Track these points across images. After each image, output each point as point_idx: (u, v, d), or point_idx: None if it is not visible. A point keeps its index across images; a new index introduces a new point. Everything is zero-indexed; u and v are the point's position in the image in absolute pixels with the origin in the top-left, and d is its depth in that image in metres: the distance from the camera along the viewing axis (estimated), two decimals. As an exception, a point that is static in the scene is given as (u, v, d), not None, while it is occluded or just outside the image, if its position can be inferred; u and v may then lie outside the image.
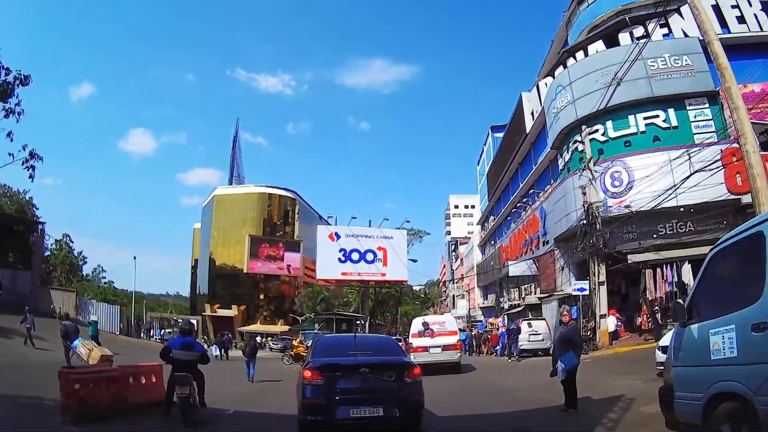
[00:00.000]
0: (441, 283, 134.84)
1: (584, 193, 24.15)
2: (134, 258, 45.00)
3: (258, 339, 47.72)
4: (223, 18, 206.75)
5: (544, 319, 24.14)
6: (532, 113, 38.97)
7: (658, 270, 20.75)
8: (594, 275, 22.74)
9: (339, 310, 59.65)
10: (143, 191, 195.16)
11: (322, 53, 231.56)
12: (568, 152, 30.88)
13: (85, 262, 67.22)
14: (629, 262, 22.15)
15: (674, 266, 20.47)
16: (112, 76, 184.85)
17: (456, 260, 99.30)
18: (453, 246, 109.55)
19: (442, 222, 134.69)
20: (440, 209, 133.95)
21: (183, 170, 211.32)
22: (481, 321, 62.76)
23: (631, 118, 27.15)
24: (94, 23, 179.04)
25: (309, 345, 26.71)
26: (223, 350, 32.54)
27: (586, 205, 23.61)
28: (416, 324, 19.81)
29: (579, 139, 27.32)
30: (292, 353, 27.16)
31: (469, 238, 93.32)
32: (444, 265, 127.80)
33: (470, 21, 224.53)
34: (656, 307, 20.04)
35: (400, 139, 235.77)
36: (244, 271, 73.70)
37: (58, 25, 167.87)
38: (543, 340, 23.03)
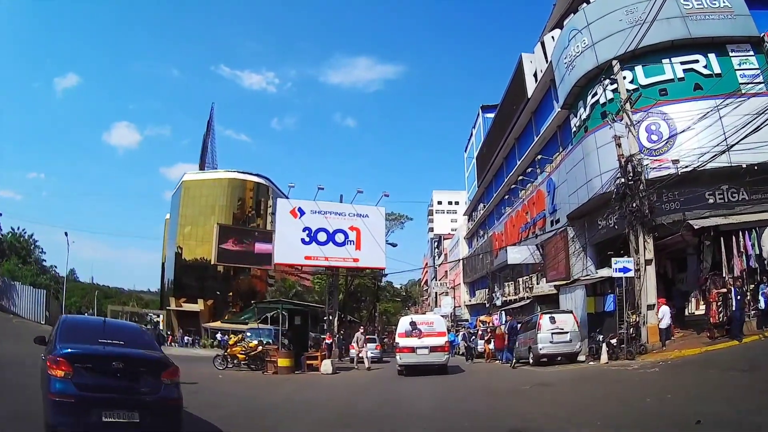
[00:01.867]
0: (423, 282, 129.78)
1: (619, 145, 18.32)
2: (65, 234, 38.22)
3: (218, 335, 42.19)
4: (206, 13, 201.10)
5: (571, 311, 18.09)
6: (535, 74, 33.31)
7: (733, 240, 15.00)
8: (637, 252, 16.82)
9: (316, 309, 53.27)
10: (127, 185, 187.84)
11: (305, 51, 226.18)
12: (585, 108, 25.28)
13: (41, 250, 61.52)
14: (690, 228, 16.33)
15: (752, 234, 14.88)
16: (97, 67, 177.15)
17: (440, 257, 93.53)
18: (436, 242, 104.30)
19: (425, 221, 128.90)
20: (424, 207, 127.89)
21: (167, 164, 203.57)
22: (467, 320, 57.08)
23: (665, 63, 22.31)
24: (80, 13, 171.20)
25: (252, 345, 21.13)
26: None
27: (623, 160, 17.69)
28: (403, 323, 18.84)
29: (605, 82, 21.70)
30: (227, 353, 21.08)
31: (453, 233, 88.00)
32: (426, 264, 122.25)
33: (454, 17, 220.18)
34: (730, 290, 14.15)
35: (385, 136, 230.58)
36: (212, 263, 67.17)
37: (43, 14, 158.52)
38: (570, 341, 17.02)
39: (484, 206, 50.41)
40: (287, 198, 29.91)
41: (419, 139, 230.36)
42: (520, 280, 34.60)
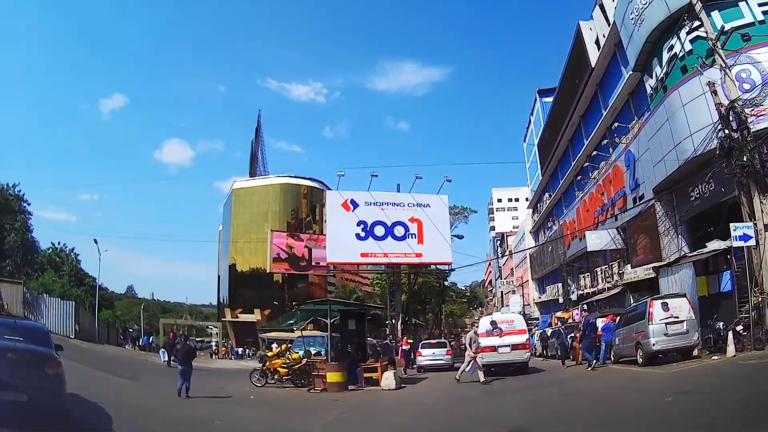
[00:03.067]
0: (486, 283, 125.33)
1: (714, 93, 15.33)
2: (95, 241, 37.03)
3: (273, 345, 39.90)
4: (247, 29, 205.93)
5: (684, 294, 14.81)
6: (597, 41, 30.09)
7: None
8: (752, 217, 13.64)
9: (379, 313, 51.05)
10: (182, 201, 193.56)
11: (350, 60, 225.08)
12: (661, 65, 22.06)
13: (79, 260, 57.75)
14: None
15: None
16: (143, 87, 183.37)
17: (503, 255, 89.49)
18: (498, 241, 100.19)
19: (485, 221, 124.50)
20: (483, 207, 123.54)
21: (221, 178, 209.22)
22: (537, 318, 53.36)
23: (742, 5, 19.50)
24: (124, 36, 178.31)
25: (296, 356, 17.88)
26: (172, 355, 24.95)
27: (722, 108, 14.60)
28: (484, 323, 18.92)
29: (684, 29, 18.64)
30: (266, 367, 17.61)
31: (516, 230, 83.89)
32: (489, 263, 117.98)
33: (493, 11, 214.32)
34: None
35: (439, 137, 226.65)
36: (268, 271, 65.87)
37: (88, 37, 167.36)
38: (687, 331, 13.65)
39: (550, 195, 46.82)
40: (337, 190, 28.15)
41: (473, 138, 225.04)
42: (598, 270, 31.13)
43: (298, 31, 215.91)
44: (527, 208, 62.22)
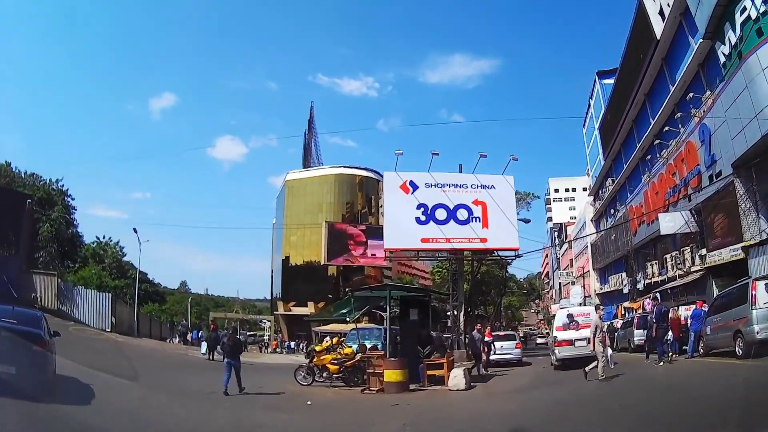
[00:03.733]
0: (543, 275, 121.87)
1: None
2: (134, 231, 36.73)
3: (328, 339, 38.33)
4: (295, 25, 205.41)
5: None
6: (661, 12, 28.08)
7: None
8: None
9: (436, 306, 49.89)
10: (237, 197, 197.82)
11: (400, 54, 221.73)
12: (734, 30, 20.28)
13: (124, 254, 58.59)
14: None
15: None
16: (193, 86, 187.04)
17: (561, 246, 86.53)
18: (556, 232, 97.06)
19: (543, 212, 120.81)
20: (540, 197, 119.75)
21: (275, 173, 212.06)
22: (598, 305, 51.08)
23: None
24: (173, 33, 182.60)
25: (348, 350, 16.23)
26: (214, 349, 24.71)
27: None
28: (560, 316, 18.80)
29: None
30: (313, 363, 16.04)
31: (573, 221, 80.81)
32: (546, 255, 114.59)
33: (548, 2, 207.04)
34: None
35: (494, 128, 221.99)
36: (322, 263, 65.59)
37: (136, 36, 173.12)
38: None
39: (613, 181, 44.57)
40: (395, 171, 27.22)
41: (529, 128, 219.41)
42: (668, 257, 29.18)
43: (346, 26, 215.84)
44: (588, 195, 59.65)
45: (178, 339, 39.41)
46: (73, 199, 51.49)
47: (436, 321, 30.34)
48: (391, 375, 13.55)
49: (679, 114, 25.19)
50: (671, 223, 25.30)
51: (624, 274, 39.93)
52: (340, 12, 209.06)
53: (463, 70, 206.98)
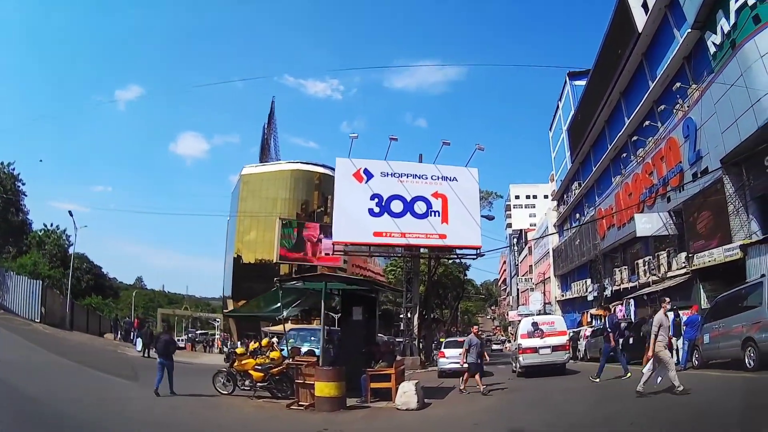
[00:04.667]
0: (500, 281, 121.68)
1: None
2: (70, 213, 33.42)
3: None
4: (264, 25, 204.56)
5: None
6: (644, 3, 26.75)
7: None
8: None
9: (389, 308, 47.20)
10: (197, 194, 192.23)
11: (367, 58, 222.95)
12: (728, 18, 18.79)
13: (70, 243, 53.10)
14: None
15: None
16: (160, 80, 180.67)
17: (520, 252, 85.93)
18: (515, 238, 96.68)
19: (502, 218, 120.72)
20: (500, 203, 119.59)
21: (236, 172, 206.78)
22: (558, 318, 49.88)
23: None
24: (142, 26, 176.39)
25: (275, 355, 13.16)
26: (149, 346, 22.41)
27: None
28: (525, 324, 18.36)
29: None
30: (234, 369, 13.10)
31: (533, 228, 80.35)
32: (504, 261, 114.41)
33: (517, 15, 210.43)
34: None
35: (459, 133, 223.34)
36: (274, 261, 62.63)
37: (106, 26, 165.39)
38: None
39: (580, 184, 43.30)
40: (349, 158, 24.70)
41: (494, 134, 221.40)
42: (639, 262, 27.65)
43: (315, 28, 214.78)
44: (552, 200, 58.58)
45: (118, 334, 36.04)
46: (24, 184, 47.85)
47: (390, 324, 27.59)
48: (323, 388, 10.67)
49: (662, 107, 23.62)
50: (648, 224, 23.66)
51: (589, 281, 38.56)
52: (309, 14, 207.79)
53: (430, 76, 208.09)
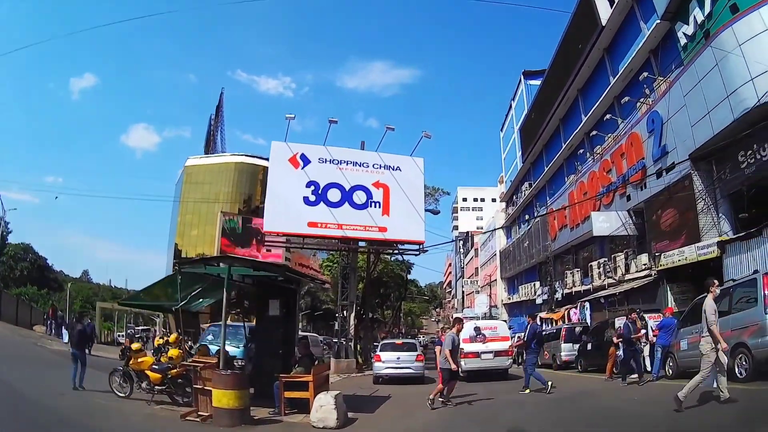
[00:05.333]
0: (446, 284, 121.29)
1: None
2: None
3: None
4: (220, 21, 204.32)
5: None
6: (610, -2, 25.57)
7: None
8: None
9: (331, 308, 44.59)
10: (146, 187, 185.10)
11: (321, 57, 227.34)
12: (702, 7, 17.78)
13: (9, 230, 52.69)
14: None
15: None
16: (114, 70, 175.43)
17: (466, 255, 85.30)
18: (462, 241, 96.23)
19: (449, 221, 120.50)
20: (447, 207, 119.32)
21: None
22: (505, 321, 48.84)
23: None
24: (99, 14, 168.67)
25: (174, 353, 10.82)
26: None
27: None
28: (467, 329, 16.72)
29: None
30: (128, 368, 10.79)
31: (480, 230, 79.89)
32: (450, 263, 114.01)
33: (473, 21, 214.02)
34: None
35: (406, 136, 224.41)
36: (214, 256, 59.28)
37: (59, 14, 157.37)
38: None
39: (531, 185, 42.29)
40: (285, 142, 22.25)
41: (444, 137, 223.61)
42: (593, 264, 26.44)
43: (271, 25, 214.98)
44: (500, 201, 57.69)
45: (50, 327, 32.75)
46: None
47: (326, 323, 25.07)
48: (221, 397, 8.36)
49: (626, 98, 22.31)
50: (606, 223, 22.32)
51: (537, 284, 37.45)
52: (266, 10, 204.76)
53: (382, 77, 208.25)
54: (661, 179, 19.25)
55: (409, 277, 49.73)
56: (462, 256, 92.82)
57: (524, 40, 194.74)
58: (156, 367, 10.44)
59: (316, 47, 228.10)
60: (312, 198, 21.13)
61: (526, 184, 43.94)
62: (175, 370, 10.17)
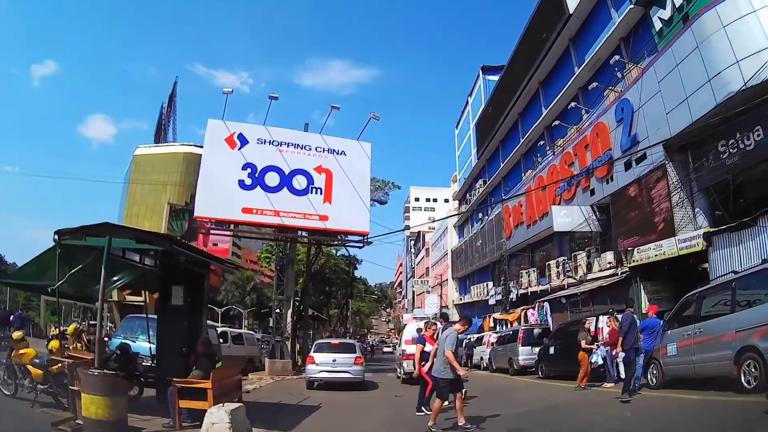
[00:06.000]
0: (396, 284, 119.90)
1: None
2: None
3: None
4: (181, 13, 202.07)
5: None
6: (579, -15, 24.24)
7: None
8: None
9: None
10: (102, 178, 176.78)
11: (280, 53, 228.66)
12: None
13: None
14: None
15: None
16: (74, 59, 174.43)
17: (417, 255, 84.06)
18: (413, 241, 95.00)
19: (401, 221, 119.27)
20: (400, 208, 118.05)
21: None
22: (455, 322, 47.43)
23: None
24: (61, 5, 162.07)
25: (53, 345, 8.94)
26: None
27: None
28: (410, 330, 16.17)
29: None
30: (12, 359, 8.67)
31: (432, 230, 78.81)
32: (401, 264, 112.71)
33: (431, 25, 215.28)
34: None
35: (366, 133, 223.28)
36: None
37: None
38: None
39: (485, 182, 40.94)
40: (222, 120, 19.85)
41: (395, 138, 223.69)
42: (552, 263, 25.07)
43: (232, 20, 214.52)
44: (453, 200, 56.35)
45: None
46: None
47: (263, 320, 22.61)
48: (90, 405, 6.31)
49: (594, 84, 20.97)
50: (567, 218, 20.84)
51: (490, 284, 36.04)
52: (228, 4, 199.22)
53: (340, 77, 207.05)
54: (631, 171, 17.93)
55: (357, 274, 47.63)
56: (413, 255, 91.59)
57: (484, 36, 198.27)
58: (37, 361, 8.56)
59: (276, 44, 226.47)
60: (248, 182, 18.79)
61: (481, 182, 42.60)
62: (56, 366, 8.18)
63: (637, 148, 17.53)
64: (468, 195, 48.57)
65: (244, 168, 18.80)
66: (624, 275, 16.32)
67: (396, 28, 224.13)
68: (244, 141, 19.24)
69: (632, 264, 15.71)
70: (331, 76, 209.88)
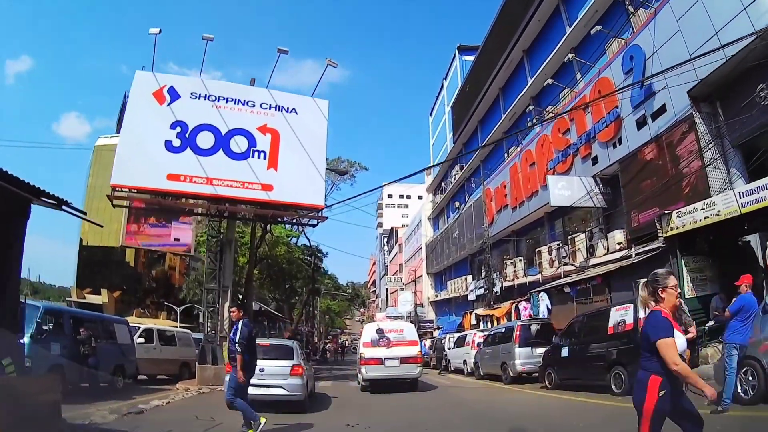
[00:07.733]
0: (369, 284, 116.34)
1: None
2: None
3: None
4: (152, 11, 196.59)
5: None
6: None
7: None
8: None
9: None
10: (77, 177, 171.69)
11: (252, 53, 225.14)
12: None
13: None
14: None
15: None
16: (50, 56, 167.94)
17: (390, 251, 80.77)
18: (386, 238, 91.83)
19: (374, 219, 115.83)
20: (372, 207, 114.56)
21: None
22: (431, 321, 44.29)
23: None
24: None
25: None
26: None
27: None
28: (369, 331, 14.78)
29: None
30: None
31: (406, 228, 75.72)
32: (374, 263, 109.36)
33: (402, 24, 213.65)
34: None
35: (341, 133, 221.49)
36: (119, 245, 51.93)
37: None
38: None
39: (462, 167, 37.78)
40: (152, 72, 16.08)
41: (368, 135, 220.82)
42: (543, 249, 21.97)
43: (205, 18, 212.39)
44: (428, 192, 53.10)
45: None
46: None
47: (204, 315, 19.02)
48: None
49: (597, 28, 17.70)
50: (566, 191, 17.59)
51: (470, 278, 32.85)
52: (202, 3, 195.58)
53: (312, 77, 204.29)
54: (645, 129, 14.85)
55: (325, 269, 43.94)
56: (386, 253, 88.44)
57: (460, 16, 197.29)
58: None
59: (248, 44, 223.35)
60: (176, 143, 14.98)
61: (457, 168, 39.44)
62: None
63: (653, 99, 14.47)
64: (443, 183, 45.38)
65: (172, 127, 15.05)
66: (659, 249, 12.85)
67: (370, 27, 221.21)
68: (175, 95, 15.52)
69: (669, 233, 12.34)
70: (303, 76, 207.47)
